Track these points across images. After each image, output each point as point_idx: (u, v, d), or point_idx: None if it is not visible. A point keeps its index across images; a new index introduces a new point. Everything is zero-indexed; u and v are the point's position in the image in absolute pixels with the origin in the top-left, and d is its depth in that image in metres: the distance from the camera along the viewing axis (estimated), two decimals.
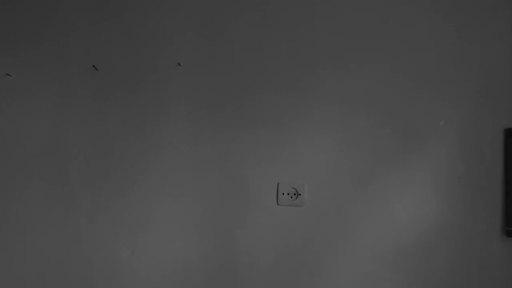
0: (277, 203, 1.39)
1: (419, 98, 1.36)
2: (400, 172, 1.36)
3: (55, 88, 1.45)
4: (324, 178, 1.38)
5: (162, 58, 1.42)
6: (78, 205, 1.43)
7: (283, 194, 1.39)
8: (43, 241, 1.43)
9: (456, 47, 1.36)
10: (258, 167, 1.39)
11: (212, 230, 1.40)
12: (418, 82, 1.36)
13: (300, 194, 1.38)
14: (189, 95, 1.42)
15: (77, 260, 1.42)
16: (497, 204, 1.33)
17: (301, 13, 1.40)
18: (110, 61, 1.44)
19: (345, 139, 1.38)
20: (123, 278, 1.42)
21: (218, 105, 1.41)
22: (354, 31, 1.38)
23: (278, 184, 1.39)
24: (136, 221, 1.42)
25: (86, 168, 1.43)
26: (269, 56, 1.40)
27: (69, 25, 1.46)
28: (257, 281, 1.39)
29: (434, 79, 1.36)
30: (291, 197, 1.38)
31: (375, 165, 1.36)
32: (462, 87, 1.35)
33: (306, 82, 1.39)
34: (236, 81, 1.41)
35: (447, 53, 1.36)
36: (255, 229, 1.39)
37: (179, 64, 1.41)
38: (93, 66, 1.43)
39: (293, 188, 1.38)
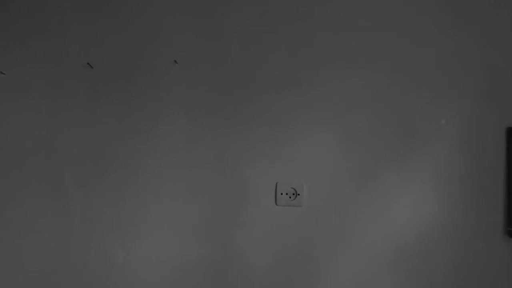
0: (276, 203, 1.38)
1: (420, 96, 1.35)
2: (400, 171, 1.35)
3: (49, 86, 1.45)
4: (323, 178, 1.38)
5: (159, 55, 1.42)
6: (73, 206, 1.43)
7: (281, 194, 1.38)
8: (38, 242, 1.43)
9: (457, 45, 1.35)
10: (256, 167, 1.39)
11: (209, 231, 1.40)
12: (419, 81, 1.35)
13: (299, 194, 1.37)
14: (186, 94, 1.42)
15: (72, 261, 1.42)
16: (499, 204, 1.32)
17: (300, 11, 1.39)
18: (106, 58, 1.43)
19: (345, 138, 1.37)
20: (118, 280, 1.41)
21: (215, 103, 1.41)
22: (354, 29, 1.38)
23: (276, 184, 1.39)
24: (132, 221, 1.41)
25: (81, 168, 1.43)
26: (268, 54, 1.40)
27: (63, 22, 1.45)
28: (255, 282, 1.38)
29: (435, 77, 1.35)
30: (290, 197, 1.38)
31: (375, 165, 1.36)
32: (464, 85, 1.34)
33: (306, 81, 1.38)
34: (234, 79, 1.41)
35: (448, 51, 1.35)
36: (253, 230, 1.39)
37: (175, 61, 1.41)
38: (88, 64, 1.43)
39: (291, 188, 1.38)
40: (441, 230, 1.33)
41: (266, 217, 1.38)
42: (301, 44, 1.39)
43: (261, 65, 1.40)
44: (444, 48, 1.35)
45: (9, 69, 1.43)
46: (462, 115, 1.34)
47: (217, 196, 1.39)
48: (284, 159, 1.38)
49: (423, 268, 1.33)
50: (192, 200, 1.40)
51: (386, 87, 1.36)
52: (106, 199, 1.41)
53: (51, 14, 1.45)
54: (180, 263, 1.40)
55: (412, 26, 1.36)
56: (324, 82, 1.38)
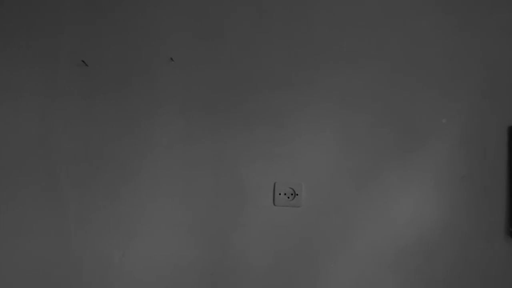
0: (274, 204, 1.38)
1: (420, 95, 1.35)
2: (401, 171, 1.35)
3: (43, 85, 1.44)
4: (322, 178, 1.37)
5: (155, 53, 1.41)
6: (68, 206, 1.42)
7: (279, 194, 1.37)
8: (32, 242, 1.42)
9: (458, 43, 1.35)
10: (254, 166, 1.38)
11: (206, 232, 1.39)
12: (420, 79, 1.35)
13: (297, 194, 1.37)
14: (183, 92, 1.41)
15: (67, 261, 1.42)
16: (500, 204, 1.32)
17: (298, 8, 1.39)
18: (101, 56, 1.42)
19: (344, 138, 1.36)
20: (114, 280, 1.41)
21: (212, 102, 1.40)
22: (354, 26, 1.37)
23: (274, 184, 1.38)
24: (127, 222, 1.41)
25: (76, 168, 1.42)
26: (266, 51, 1.39)
27: (58, 18, 1.44)
28: (253, 283, 1.38)
29: (436, 75, 1.35)
30: (288, 198, 1.37)
31: (375, 164, 1.35)
32: (465, 83, 1.34)
33: (304, 79, 1.37)
34: (231, 77, 1.40)
35: (449, 49, 1.35)
36: (250, 231, 1.38)
37: (171, 59, 1.40)
38: (83, 61, 1.41)
39: (290, 188, 1.37)
40: (442, 230, 1.33)
41: (264, 217, 1.38)
42: (300, 42, 1.38)
43: (259, 63, 1.39)
44: (445, 46, 1.35)
45: (0, 68, 1.43)
46: (463, 114, 1.34)
47: (214, 196, 1.39)
48: (282, 158, 1.37)
49: (423, 268, 1.33)
50: (188, 201, 1.39)
51: (386, 86, 1.36)
52: (102, 199, 1.41)
53: (45, 11, 1.44)
54: (177, 264, 1.39)
55: (412, 24, 1.36)
56: (323, 81, 1.37)
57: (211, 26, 1.41)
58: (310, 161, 1.37)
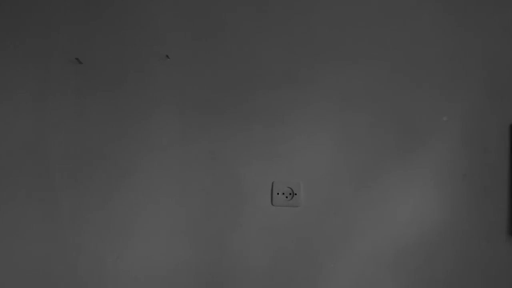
0: (272, 203, 1.37)
1: (421, 93, 1.35)
2: (401, 170, 1.34)
3: (36, 83, 1.43)
4: (321, 177, 1.36)
5: (150, 50, 1.41)
6: (62, 207, 1.41)
7: (278, 193, 1.37)
8: (26, 244, 1.41)
9: (458, 41, 1.35)
10: (251, 166, 1.37)
11: (203, 232, 1.39)
12: (420, 77, 1.35)
13: (296, 194, 1.36)
14: (179, 90, 1.40)
15: (59, 265, 1.41)
16: (502, 204, 1.31)
17: (297, 6, 1.38)
18: (95, 53, 1.42)
19: (344, 137, 1.36)
20: (109, 283, 1.40)
21: (209, 100, 1.40)
22: (353, 25, 1.37)
23: (272, 183, 1.37)
24: (123, 223, 1.40)
25: (70, 168, 1.41)
26: (264, 50, 1.39)
27: (51, 15, 1.44)
28: (251, 285, 1.37)
29: (436, 74, 1.35)
30: (287, 197, 1.36)
31: (375, 164, 1.35)
32: (466, 81, 1.34)
33: (304, 77, 1.37)
34: (229, 75, 1.39)
35: (449, 48, 1.35)
36: (248, 231, 1.37)
37: (167, 56, 1.39)
38: (77, 59, 1.41)
39: (288, 187, 1.36)
40: (443, 230, 1.33)
41: (262, 217, 1.37)
42: (299, 41, 1.38)
43: (258, 62, 1.39)
44: (445, 45, 1.35)
45: None
46: (464, 112, 1.34)
47: (211, 196, 1.38)
48: (280, 157, 1.37)
49: (424, 269, 1.33)
50: (185, 201, 1.39)
51: (386, 85, 1.36)
52: (97, 199, 1.40)
53: (39, 7, 1.44)
54: (174, 265, 1.39)
55: (412, 23, 1.36)
56: (323, 80, 1.37)
57: (208, 24, 1.40)
58: (308, 160, 1.37)
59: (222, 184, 1.38)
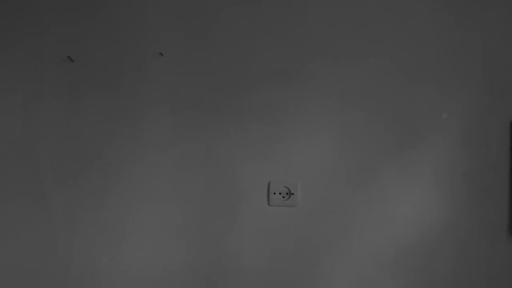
0: (268, 204, 1.37)
1: (420, 90, 1.34)
2: (400, 169, 1.34)
3: (26, 81, 1.42)
4: (318, 176, 1.36)
5: (143, 47, 1.40)
6: (53, 208, 1.40)
7: (274, 193, 1.36)
8: (15, 246, 1.41)
9: (458, 37, 1.34)
10: (247, 165, 1.37)
11: (199, 233, 1.38)
12: (419, 74, 1.35)
13: (293, 194, 1.36)
14: (173, 88, 1.39)
15: (52, 267, 1.40)
16: (503, 203, 1.31)
17: (294, 4, 1.38)
18: (87, 51, 1.41)
19: (342, 135, 1.36)
20: (103, 285, 1.39)
21: (204, 99, 1.39)
22: (352, 23, 1.37)
23: (269, 183, 1.37)
24: (116, 224, 1.39)
25: (62, 168, 1.40)
26: (261, 47, 1.38)
27: (42, 11, 1.42)
28: (248, 287, 1.37)
29: (436, 71, 1.34)
30: (283, 197, 1.36)
31: (373, 162, 1.35)
32: (465, 78, 1.34)
33: (300, 75, 1.37)
34: (224, 73, 1.38)
35: (448, 44, 1.35)
36: (244, 232, 1.37)
37: (161, 54, 1.38)
38: (68, 57, 1.40)
39: (285, 187, 1.36)
40: (443, 229, 1.32)
41: (258, 218, 1.37)
42: (295, 38, 1.38)
43: (253, 60, 1.38)
44: (444, 42, 1.35)
45: None
46: (464, 109, 1.33)
47: (206, 196, 1.38)
48: (277, 157, 1.37)
49: (423, 269, 1.33)
50: (180, 201, 1.38)
51: (385, 82, 1.35)
52: (90, 200, 1.39)
53: (29, 4, 1.42)
54: (169, 267, 1.38)
55: (411, 20, 1.36)
56: (320, 78, 1.36)
57: (203, 22, 1.39)
58: (306, 159, 1.36)
59: (217, 184, 1.37)
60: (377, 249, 1.33)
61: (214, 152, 1.37)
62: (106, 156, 1.39)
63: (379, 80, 1.35)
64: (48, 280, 1.39)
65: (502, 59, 1.33)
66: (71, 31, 1.41)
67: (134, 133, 1.39)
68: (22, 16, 1.42)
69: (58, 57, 1.40)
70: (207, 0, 1.39)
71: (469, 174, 1.32)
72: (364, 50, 1.35)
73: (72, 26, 1.41)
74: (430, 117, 1.33)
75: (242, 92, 1.37)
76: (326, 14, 1.37)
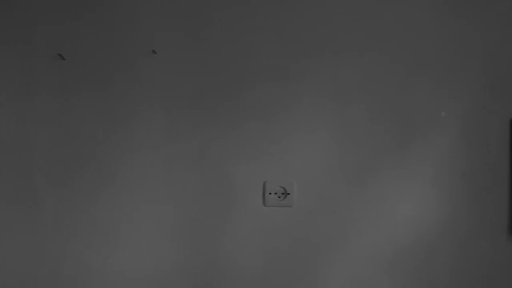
0: (264, 204, 1.36)
1: (418, 87, 1.34)
2: (398, 168, 1.34)
3: (16, 79, 1.41)
4: (315, 176, 1.35)
5: (136, 45, 1.39)
6: (44, 209, 1.39)
7: (270, 193, 1.36)
8: (6, 247, 1.39)
9: (457, 33, 1.34)
10: (242, 165, 1.36)
11: (193, 235, 1.37)
12: (417, 71, 1.35)
13: (288, 194, 1.35)
14: (166, 86, 1.38)
15: (42, 269, 1.39)
16: (502, 202, 1.31)
17: (290, 1, 1.37)
18: (79, 49, 1.40)
19: (339, 133, 1.36)
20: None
21: (198, 97, 1.38)
22: (348, 17, 1.36)
23: (264, 182, 1.36)
24: (109, 225, 1.38)
25: (52, 168, 1.39)
26: (257, 44, 1.37)
27: (32, 8, 1.41)
28: None
29: (434, 67, 1.34)
30: (279, 197, 1.35)
31: (371, 161, 1.34)
32: (465, 75, 1.34)
33: (296, 72, 1.36)
34: (218, 70, 1.38)
35: (447, 40, 1.34)
36: (239, 232, 1.36)
37: (154, 52, 1.37)
38: (59, 55, 1.39)
39: (281, 187, 1.35)
40: (442, 229, 1.32)
41: (254, 218, 1.36)
42: (292, 31, 1.37)
43: (249, 57, 1.37)
44: (443, 36, 1.34)
45: None
46: (463, 107, 1.33)
47: (200, 196, 1.37)
48: (272, 156, 1.36)
49: (422, 269, 1.33)
50: (173, 202, 1.37)
51: (383, 78, 1.35)
52: (81, 201, 1.38)
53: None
54: (162, 269, 1.37)
55: (411, 16, 1.35)
56: (316, 75, 1.36)
57: (198, 19, 1.39)
58: (302, 158, 1.35)
59: (212, 184, 1.37)
60: (375, 249, 1.33)
61: (209, 152, 1.37)
62: (99, 156, 1.38)
63: (378, 78, 1.35)
64: (39, 282, 1.38)
65: (502, 58, 1.33)
66: (62, 28, 1.40)
67: (127, 133, 1.38)
68: (12, 12, 1.41)
69: (49, 55, 1.39)
70: None
71: (468, 174, 1.32)
72: (362, 48, 1.35)
73: (63, 23, 1.40)
74: (429, 115, 1.33)
75: (236, 90, 1.37)
76: (322, 10, 1.36)
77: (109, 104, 1.38)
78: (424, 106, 1.33)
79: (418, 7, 1.34)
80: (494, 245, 1.30)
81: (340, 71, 1.35)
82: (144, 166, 1.37)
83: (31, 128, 1.40)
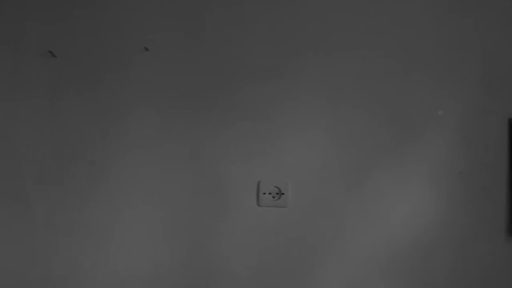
0: (258, 204, 1.36)
1: (415, 86, 1.34)
2: (394, 167, 1.33)
3: (5, 77, 1.41)
4: (310, 176, 1.35)
5: (128, 42, 1.39)
6: (33, 209, 1.39)
7: (264, 193, 1.35)
8: None
9: (455, 30, 1.34)
10: (236, 164, 1.36)
11: (185, 236, 1.36)
12: (414, 69, 1.34)
13: (283, 194, 1.35)
14: (158, 84, 1.38)
15: (32, 271, 1.38)
16: (501, 202, 1.31)
17: None
18: (69, 46, 1.40)
19: (334, 132, 1.35)
20: None
21: (191, 95, 1.38)
22: (344, 15, 1.36)
23: (258, 182, 1.35)
24: (100, 226, 1.37)
25: (42, 167, 1.39)
26: (250, 41, 1.37)
27: (22, 3, 1.41)
28: None
29: (431, 65, 1.34)
30: (274, 197, 1.35)
31: (367, 161, 1.34)
32: (463, 73, 1.34)
33: (291, 69, 1.36)
34: (212, 67, 1.37)
35: (446, 38, 1.34)
36: (233, 233, 1.36)
37: (146, 49, 1.37)
38: (50, 52, 1.38)
39: (275, 187, 1.35)
40: (439, 230, 1.32)
41: (248, 218, 1.35)
42: (286, 27, 1.37)
43: (243, 54, 1.37)
44: (441, 35, 1.35)
45: None
46: (461, 106, 1.33)
47: (193, 197, 1.36)
48: (266, 155, 1.36)
49: (419, 270, 1.32)
50: (165, 202, 1.37)
51: (379, 76, 1.35)
52: (69, 202, 1.38)
53: None
54: (154, 271, 1.36)
55: (407, 12, 1.35)
56: (311, 73, 1.36)
57: (190, 15, 1.38)
58: (297, 157, 1.35)
59: (205, 183, 1.36)
60: (372, 250, 1.32)
61: (202, 151, 1.36)
62: (90, 155, 1.38)
63: (374, 76, 1.34)
64: (32, 282, 1.37)
65: (501, 57, 1.33)
66: (53, 25, 1.40)
67: (118, 132, 1.38)
68: (2, 8, 1.41)
69: (39, 52, 1.39)
70: None
71: (466, 173, 1.31)
72: (358, 44, 1.35)
73: (54, 19, 1.40)
74: (427, 114, 1.33)
75: (230, 89, 1.36)
76: (317, 6, 1.36)
77: (101, 102, 1.38)
78: (421, 105, 1.33)
79: (416, 5, 1.34)
80: (492, 245, 1.30)
81: (335, 69, 1.35)
82: (136, 165, 1.37)
83: (21, 126, 1.39)
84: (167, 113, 1.37)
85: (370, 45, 1.34)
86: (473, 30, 1.33)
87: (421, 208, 1.32)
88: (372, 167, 1.33)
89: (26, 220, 1.38)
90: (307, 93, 1.35)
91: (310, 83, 1.35)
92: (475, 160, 1.31)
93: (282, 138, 1.35)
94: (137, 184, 1.37)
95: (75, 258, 1.37)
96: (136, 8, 1.39)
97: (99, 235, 1.37)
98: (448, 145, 1.32)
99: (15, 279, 1.38)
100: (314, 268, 1.33)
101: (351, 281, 1.33)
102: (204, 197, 1.36)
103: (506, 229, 1.29)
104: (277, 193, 1.34)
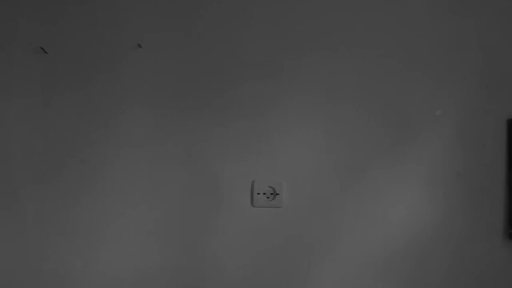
0: (252, 204, 1.35)
1: (413, 85, 1.34)
2: (391, 167, 1.33)
3: None
4: (305, 176, 1.34)
5: (121, 39, 1.38)
6: (23, 208, 1.38)
7: (258, 193, 1.34)
8: None
9: (454, 29, 1.34)
10: (229, 164, 1.35)
11: (178, 236, 1.36)
12: (412, 69, 1.34)
13: (278, 194, 1.34)
14: (151, 82, 1.37)
15: (21, 271, 1.37)
16: (499, 203, 1.31)
17: None
18: (61, 42, 1.38)
19: (330, 131, 1.35)
20: None
21: (184, 93, 1.37)
22: (342, 13, 1.36)
23: (252, 182, 1.35)
24: (91, 225, 1.37)
25: (32, 166, 1.38)
26: (244, 36, 1.37)
27: (14, 1, 1.39)
28: None
29: (429, 64, 1.34)
30: (268, 197, 1.34)
31: (364, 160, 1.34)
32: (461, 73, 1.34)
33: (287, 67, 1.36)
34: (206, 65, 1.37)
35: (443, 37, 1.34)
36: (226, 234, 1.35)
37: (139, 45, 1.36)
38: (41, 48, 1.37)
39: (269, 187, 1.34)
40: (436, 230, 1.32)
41: (241, 219, 1.35)
42: (283, 28, 1.37)
43: (237, 51, 1.37)
44: (440, 35, 1.34)
45: None
46: (459, 106, 1.33)
47: (186, 197, 1.36)
48: (261, 154, 1.35)
49: (416, 272, 1.32)
50: (158, 201, 1.36)
51: (377, 76, 1.35)
52: (60, 201, 1.37)
53: None
54: (146, 272, 1.36)
55: (406, 11, 1.35)
56: (308, 71, 1.35)
57: (184, 12, 1.37)
58: (292, 157, 1.35)
59: (198, 183, 1.35)
60: (368, 250, 1.32)
61: (195, 150, 1.36)
62: (81, 153, 1.37)
63: (372, 75, 1.34)
64: (22, 282, 1.37)
65: (500, 57, 1.33)
66: (45, 21, 1.39)
67: (110, 130, 1.37)
68: None
69: (30, 48, 1.38)
70: None
71: (463, 174, 1.31)
72: (356, 43, 1.34)
73: (45, 15, 1.39)
74: (424, 114, 1.33)
75: (224, 87, 1.36)
76: (315, 4, 1.35)
77: (94, 100, 1.37)
78: (419, 105, 1.33)
79: (416, 5, 1.34)
80: (490, 246, 1.30)
81: (332, 67, 1.34)
82: (129, 164, 1.36)
83: (10, 123, 1.38)
84: (160, 112, 1.36)
85: (370, 45, 1.34)
86: (473, 30, 1.33)
87: (419, 208, 1.32)
88: (369, 166, 1.33)
89: (17, 219, 1.37)
90: (305, 92, 1.34)
91: (308, 81, 1.35)
92: (473, 161, 1.31)
93: (277, 138, 1.35)
94: (129, 183, 1.36)
95: (67, 258, 1.36)
96: (130, 7, 1.38)
97: (91, 235, 1.36)
98: (446, 145, 1.32)
99: (6, 279, 1.37)
100: (309, 269, 1.33)
101: (346, 282, 1.33)
102: (197, 197, 1.35)
103: (504, 230, 1.29)
104: (272, 194, 1.34)
